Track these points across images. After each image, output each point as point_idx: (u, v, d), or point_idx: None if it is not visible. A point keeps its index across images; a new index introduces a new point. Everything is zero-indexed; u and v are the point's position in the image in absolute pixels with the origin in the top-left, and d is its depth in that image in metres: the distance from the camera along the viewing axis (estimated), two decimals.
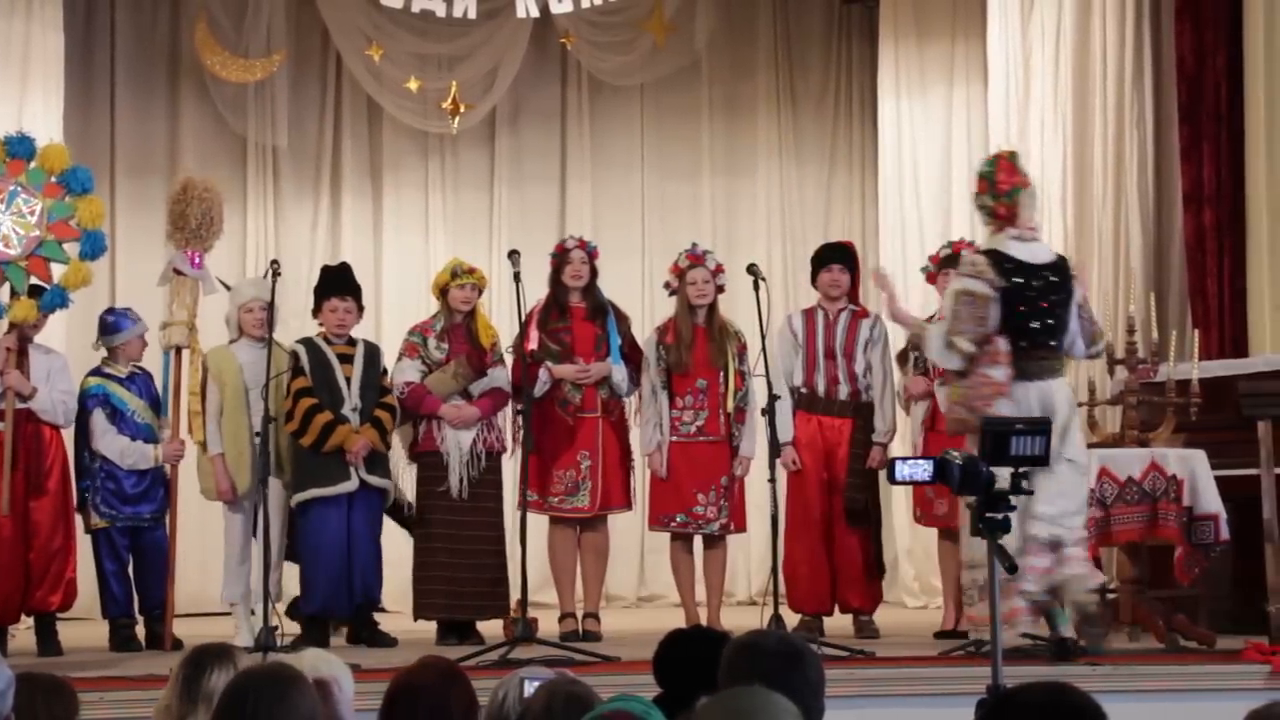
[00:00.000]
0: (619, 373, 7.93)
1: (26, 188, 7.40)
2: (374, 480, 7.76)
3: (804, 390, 8.00)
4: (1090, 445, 7.48)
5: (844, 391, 8.00)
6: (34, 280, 7.37)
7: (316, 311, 7.91)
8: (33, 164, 7.46)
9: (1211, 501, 7.03)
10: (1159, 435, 7.38)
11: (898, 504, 9.78)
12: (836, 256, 8.18)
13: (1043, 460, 4.74)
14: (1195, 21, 9.02)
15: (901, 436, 8.93)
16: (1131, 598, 7.27)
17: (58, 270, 7.41)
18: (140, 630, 7.89)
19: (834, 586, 7.99)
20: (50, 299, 7.41)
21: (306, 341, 7.87)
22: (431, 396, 7.82)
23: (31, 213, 7.38)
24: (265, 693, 3.24)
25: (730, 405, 7.85)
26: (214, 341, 8.03)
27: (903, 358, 8.06)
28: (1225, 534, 7.00)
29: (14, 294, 7.34)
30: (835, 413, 8.00)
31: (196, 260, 7.72)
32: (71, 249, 7.41)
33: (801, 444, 7.93)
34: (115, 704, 5.89)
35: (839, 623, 8.04)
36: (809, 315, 8.12)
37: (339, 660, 3.82)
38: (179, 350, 7.72)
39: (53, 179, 7.45)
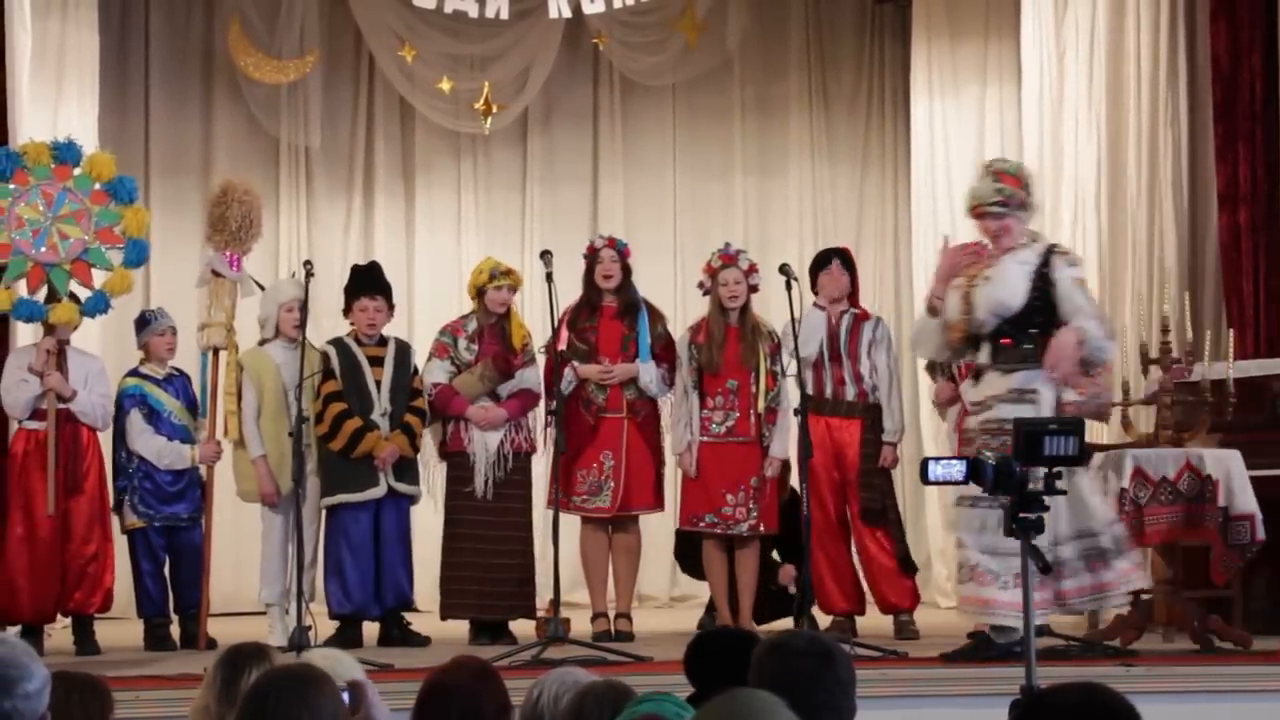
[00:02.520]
0: (647, 373, 7.93)
1: (73, 193, 7.48)
2: (402, 487, 7.81)
3: (810, 391, 7.96)
4: (1124, 445, 7.52)
5: (851, 392, 8.00)
6: (74, 285, 7.43)
7: (347, 312, 7.96)
8: (78, 170, 7.55)
9: (1247, 502, 7.02)
10: (1194, 435, 7.34)
11: (930, 504, 9.75)
12: (834, 256, 8.24)
13: (1077, 460, 4.73)
14: (1230, 21, 8.97)
15: (935, 439, 8.93)
16: (1166, 598, 7.24)
17: (99, 276, 7.48)
18: (175, 630, 7.93)
19: (860, 586, 8.02)
20: (93, 304, 7.49)
21: (337, 342, 7.91)
22: (459, 398, 7.84)
23: (79, 219, 7.46)
24: (286, 693, 3.21)
25: (761, 406, 7.84)
26: (253, 344, 8.06)
27: (931, 365, 8.04)
28: (1261, 534, 6.99)
29: (55, 297, 7.40)
30: (843, 414, 7.99)
31: (235, 262, 7.75)
32: (115, 256, 7.48)
33: (812, 445, 7.89)
34: (150, 703, 5.90)
35: (879, 622, 8.03)
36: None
37: (351, 659, 3.82)
38: (216, 351, 7.75)
39: (98, 186, 7.52)
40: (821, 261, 8.24)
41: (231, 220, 7.74)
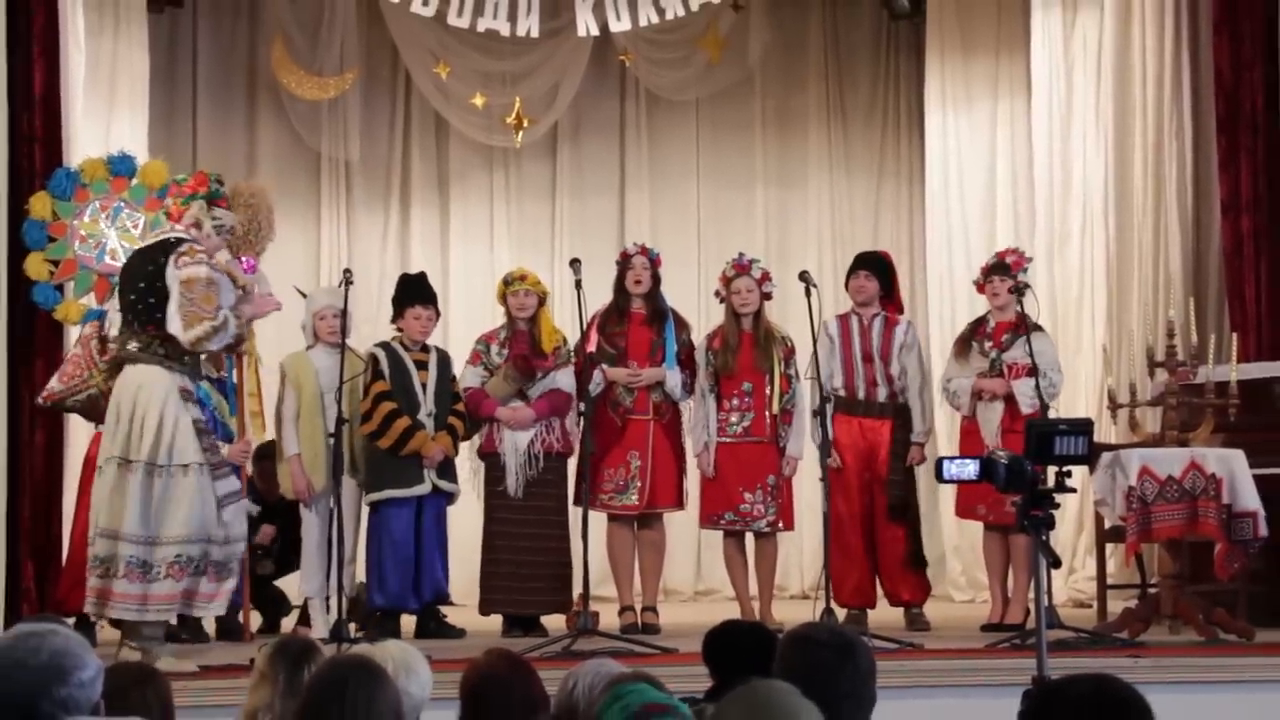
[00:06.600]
0: (673, 378, 8.09)
1: (130, 203, 7.73)
2: (444, 485, 7.98)
3: (843, 393, 8.12)
4: (1131, 445, 7.58)
5: (883, 394, 8.12)
6: None
7: (397, 318, 8.10)
8: (134, 180, 7.78)
9: (1250, 499, 7.09)
10: (1198, 435, 7.43)
11: (945, 501, 9.85)
12: (862, 264, 8.34)
13: (1084, 460, 4.75)
14: (1233, 35, 8.96)
15: (948, 436, 9.10)
16: (1173, 592, 7.34)
17: None
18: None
19: (876, 580, 8.15)
20: None
21: (385, 346, 8.05)
22: (489, 400, 7.99)
23: (135, 226, 7.70)
24: (362, 681, 3.30)
25: (776, 407, 8.01)
26: (286, 347, 8.24)
27: (962, 348, 8.19)
28: (1264, 530, 7.06)
29: None
30: (875, 414, 8.11)
31: (249, 266, 7.82)
32: None
33: (843, 445, 8.04)
34: (196, 692, 5.85)
35: (891, 615, 8.16)
36: (843, 320, 8.26)
37: (416, 650, 3.98)
38: (240, 355, 7.84)
39: (153, 194, 7.77)
40: (850, 269, 8.38)
41: (238, 224, 7.93)
